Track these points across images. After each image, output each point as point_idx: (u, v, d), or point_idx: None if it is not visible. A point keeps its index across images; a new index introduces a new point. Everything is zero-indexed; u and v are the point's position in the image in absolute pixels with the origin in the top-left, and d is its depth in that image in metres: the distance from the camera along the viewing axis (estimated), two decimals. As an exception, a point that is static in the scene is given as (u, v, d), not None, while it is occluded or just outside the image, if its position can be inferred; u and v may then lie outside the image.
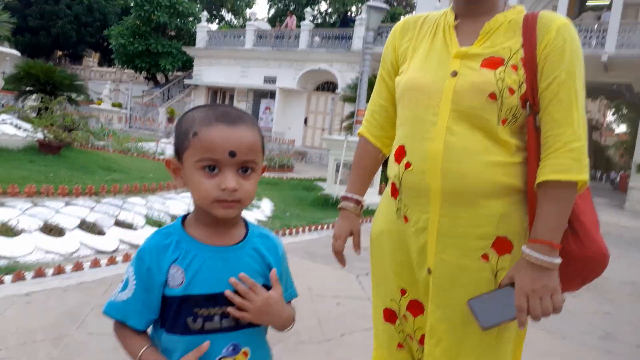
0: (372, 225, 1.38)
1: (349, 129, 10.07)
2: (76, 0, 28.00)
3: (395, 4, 25.24)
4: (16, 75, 12.36)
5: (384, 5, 7.57)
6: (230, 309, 0.90)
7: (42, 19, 27.47)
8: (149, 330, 0.94)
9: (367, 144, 1.40)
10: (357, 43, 17.16)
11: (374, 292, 1.37)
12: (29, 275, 3.02)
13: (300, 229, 5.32)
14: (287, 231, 5.17)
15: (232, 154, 0.85)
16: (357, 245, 1.43)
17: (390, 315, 1.30)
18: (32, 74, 11.96)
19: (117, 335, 0.93)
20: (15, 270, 3.03)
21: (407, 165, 1.17)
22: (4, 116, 6.42)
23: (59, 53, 31.64)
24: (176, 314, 0.88)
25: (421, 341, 1.24)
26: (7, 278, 2.92)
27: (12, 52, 7.04)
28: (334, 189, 7.49)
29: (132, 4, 18.90)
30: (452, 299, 1.15)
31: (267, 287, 0.93)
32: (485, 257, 1.12)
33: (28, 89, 12.27)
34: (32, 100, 11.23)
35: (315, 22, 25.05)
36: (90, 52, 32.12)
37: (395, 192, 1.23)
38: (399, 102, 1.26)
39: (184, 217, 0.96)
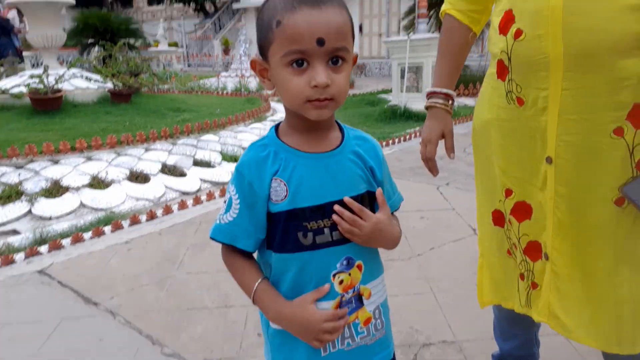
0: (474, 115, 1.20)
1: (410, 28, 9.38)
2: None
3: None
4: (75, 29, 12.76)
5: None
6: (340, 230, 0.85)
7: (86, -34, 27.53)
8: (256, 256, 0.92)
9: (453, 23, 1.21)
10: None
11: (479, 193, 1.23)
12: (125, 223, 3.23)
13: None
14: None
15: (321, 42, 0.74)
16: (450, 149, 1.27)
17: (498, 218, 1.17)
18: (90, 24, 12.28)
19: (226, 262, 0.90)
20: (112, 219, 3.25)
21: (518, 33, 0.98)
22: (73, 70, 6.65)
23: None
24: (285, 230, 0.84)
25: (527, 250, 1.11)
26: (107, 228, 3.14)
27: (66, 1, 7.14)
28: (401, 97, 7.14)
29: None
30: (579, 185, 0.99)
31: (371, 193, 0.89)
32: (618, 131, 0.93)
33: (89, 41, 12.67)
34: (95, 52, 11.57)
35: None
36: (138, -8, 32.05)
37: (503, 71, 1.05)
38: None
39: (277, 126, 0.90)
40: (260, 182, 0.84)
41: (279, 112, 7.30)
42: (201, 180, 4.22)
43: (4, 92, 6.09)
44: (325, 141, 0.87)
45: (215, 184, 4.19)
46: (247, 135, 5.79)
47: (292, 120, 0.87)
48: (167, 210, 3.39)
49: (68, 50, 13.59)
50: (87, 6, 18.21)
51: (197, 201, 3.59)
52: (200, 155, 4.76)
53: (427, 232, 2.94)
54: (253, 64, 0.86)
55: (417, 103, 6.95)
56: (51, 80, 5.85)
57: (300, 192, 0.83)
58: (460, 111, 7.36)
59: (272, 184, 0.84)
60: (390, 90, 7.97)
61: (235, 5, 21.73)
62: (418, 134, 5.76)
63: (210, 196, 3.67)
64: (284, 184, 0.83)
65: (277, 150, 0.86)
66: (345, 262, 0.86)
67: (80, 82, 6.75)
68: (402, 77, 7.19)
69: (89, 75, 7.19)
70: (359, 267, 0.88)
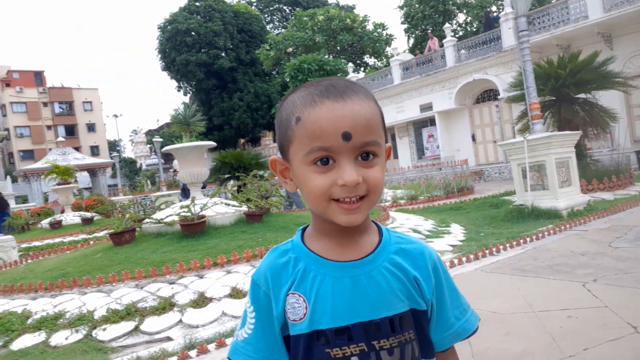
0: None
1: (526, 130, 9.24)
2: (244, 92, 32.48)
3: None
4: (215, 168, 14.77)
5: (531, -14, 6.96)
6: None
7: (223, 115, 32.49)
8: None
9: None
10: (507, 40, 16.05)
11: None
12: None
13: (501, 247, 4.96)
14: (487, 251, 4.86)
15: (347, 137, 0.66)
16: None
17: None
18: (227, 162, 14.14)
19: None
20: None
21: None
22: (214, 199, 7.58)
23: (242, 141, 36.70)
24: (306, 357, 0.71)
25: None
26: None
27: (209, 144, 8.56)
28: (527, 197, 6.84)
29: (287, 79, 20.95)
30: None
31: (417, 312, 0.74)
32: None
33: (226, 176, 14.51)
34: (231, 184, 13.10)
35: (456, 35, 24.35)
36: (265, 132, 36.50)
37: None
38: None
39: (305, 228, 0.79)
40: (275, 294, 0.72)
41: (397, 219, 7.39)
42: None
43: (159, 221, 7.10)
44: (356, 247, 0.73)
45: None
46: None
47: (318, 222, 0.75)
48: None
49: (209, 186, 15.59)
50: (224, 148, 21.24)
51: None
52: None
53: (578, 332, 2.63)
54: (272, 164, 0.77)
55: (545, 201, 6.61)
56: (197, 209, 6.74)
57: (321, 309, 0.70)
58: (597, 205, 6.79)
59: (289, 299, 0.72)
60: (514, 192, 7.70)
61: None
62: (552, 231, 5.40)
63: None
64: (303, 300, 0.71)
65: (298, 257, 0.74)
66: None
67: (220, 208, 7.64)
68: (524, 177, 6.96)
69: (227, 201, 8.13)
70: None
